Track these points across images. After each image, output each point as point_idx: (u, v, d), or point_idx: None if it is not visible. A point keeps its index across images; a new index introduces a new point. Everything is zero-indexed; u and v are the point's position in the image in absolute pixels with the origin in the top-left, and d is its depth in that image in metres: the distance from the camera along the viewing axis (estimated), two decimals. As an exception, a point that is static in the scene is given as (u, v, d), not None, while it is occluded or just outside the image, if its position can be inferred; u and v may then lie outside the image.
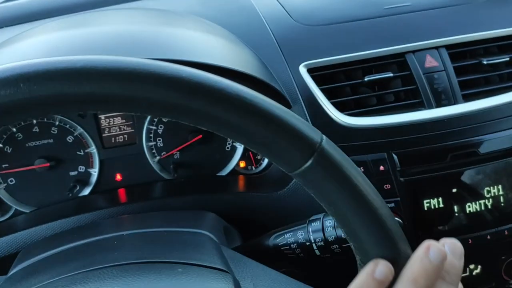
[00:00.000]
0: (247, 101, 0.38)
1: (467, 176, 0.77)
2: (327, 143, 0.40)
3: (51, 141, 0.81)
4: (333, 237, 0.55)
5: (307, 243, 0.57)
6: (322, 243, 0.55)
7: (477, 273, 0.86)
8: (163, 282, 0.42)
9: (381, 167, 0.75)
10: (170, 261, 0.46)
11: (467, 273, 0.85)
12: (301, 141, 0.38)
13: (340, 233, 0.55)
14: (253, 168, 0.90)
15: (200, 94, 0.37)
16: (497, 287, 0.87)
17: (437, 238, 0.77)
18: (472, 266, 0.85)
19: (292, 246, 0.58)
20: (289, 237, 0.59)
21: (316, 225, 0.57)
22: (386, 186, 0.75)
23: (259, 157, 0.90)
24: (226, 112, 0.37)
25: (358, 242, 0.42)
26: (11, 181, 0.81)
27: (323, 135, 0.40)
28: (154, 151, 0.85)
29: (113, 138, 0.83)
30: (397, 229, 0.41)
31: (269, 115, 0.38)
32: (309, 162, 0.38)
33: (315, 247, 0.56)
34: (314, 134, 0.39)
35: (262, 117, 0.38)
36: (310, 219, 0.58)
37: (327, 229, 0.55)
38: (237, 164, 0.89)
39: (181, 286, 0.42)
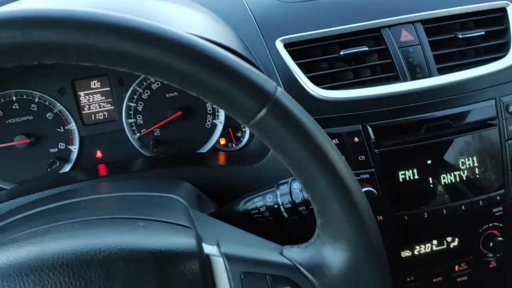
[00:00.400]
0: (201, 51, 0.38)
1: (442, 148, 0.78)
2: (281, 94, 0.40)
3: (30, 117, 0.82)
4: (300, 199, 0.56)
5: (275, 206, 0.58)
6: (289, 205, 0.56)
7: (454, 246, 0.87)
8: (123, 235, 0.43)
9: (356, 139, 0.76)
10: (132, 217, 0.47)
11: (445, 246, 0.86)
12: (254, 91, 0.39)
13: (307, 195, 0.56)
14: (233, 145, 0.91)
15: (153, 43, 0.37)
16: (475, 260, 0.88)
17: (412, 208, 0.78)
18: (449, 239, 0.86)
19: (261, 209, 0.59)
20: (258, 201, 0.60)
21: (284, 188, 0.57)
22: (360, 157, 0.76)
23: (239, 135, 0.91)
24: (180, 61, 0.38)
25: (315, 192, 0.43)
26: (-9, 157, 0.82)
27: (279, 87, 0.41)
28: (134, 128, 0.86)
29: (93, 115, 0.84)
30: (351, 177, 0.42)
31: (223, 65, 0.39)
32: (263, 111, 0.39)
33: (283, 210, 0.57)
34: (268, 84, 0.40)
35: (216, 67, 0.39)
36: (279, 183, 0.59)
37: (295, 192, 0.56)
38: (217, 141, 0.90)
39: (140, 239, 0.42)
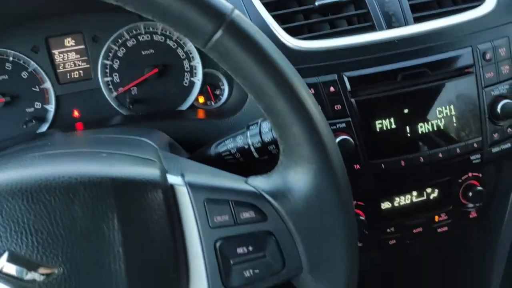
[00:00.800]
0: None
1: (419, 97, 0.78)
2: (238, 15, 0.40)
3: (5, 77, 0.81)
4: (269, 138, 0.56)
5: (246, 147, 0.58)
6: (259, 144, 0.56)
7: (434, 197, 0.87)
8: (84, 164, 0.43)
9: (332, 88, 0.76)
10: (96, 150, 0.47)
11: (424, 197, 0.87)
12: (210, 12, 0.39)
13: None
14: (212, 103, 0.91)
15: None
16: (454, 211, 0.88)
17: (388, 157, 0.78)
18: (429, 190, 0.86)
19: (232, 151, 0.59)
20: (229, 143, 0.60)
21: (254, 128, 0.57)
22: (336, 107, 0.76)
23: (217, 93, 0.90)
24: None
25: (275, 116, 0.42)
26: (-33, 118, 0.82)
27: (236, 9, 0.41)
28: (110, 86, 0.85)
29: (68, 74, 0.84)
30: (309, 99, 0.42)
31: None
32: (219, 32, 0.39)
33: (253, 149, 0.57)
34: (224, 5, 0.40)
35: None
36: (248, 124, 0.59)
37: (264, 131, 0.56)
38: (196, 99, 0.89)
39: (101, 167, 0.42)
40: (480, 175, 0.87)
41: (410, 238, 0.87)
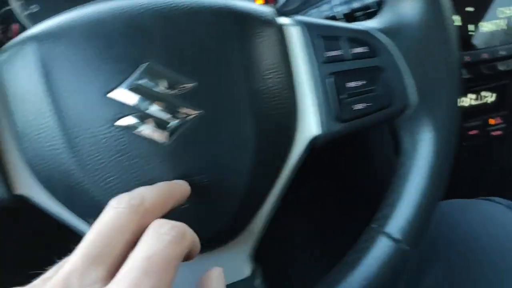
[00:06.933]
0: None
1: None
2: None
3: None
4: (359, 4, 0.57)
5: (331, 15, 0.59)
6: (347, 11, 0.58)
7: (492, 101, 0.89)
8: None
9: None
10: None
11: (481, 101, 0.88)
12: None
13: None
14: (272, 5, 0.91)
15: None
16: (510, 115, 0.90)
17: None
18: (486, 94, 0.88)
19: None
20: (314, 13, 0.61)
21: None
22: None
23: (277, -4, 0.91)
24: None
25: None
26: None
27: None
28: None
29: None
30: None
31: None
32: None
33: (341, 16, 0.58)
34: None
35: None
36: None
37: (354, -3, 0.58)
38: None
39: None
40: (538, 80, 0.88)
41: (466, 140, 0.89)
